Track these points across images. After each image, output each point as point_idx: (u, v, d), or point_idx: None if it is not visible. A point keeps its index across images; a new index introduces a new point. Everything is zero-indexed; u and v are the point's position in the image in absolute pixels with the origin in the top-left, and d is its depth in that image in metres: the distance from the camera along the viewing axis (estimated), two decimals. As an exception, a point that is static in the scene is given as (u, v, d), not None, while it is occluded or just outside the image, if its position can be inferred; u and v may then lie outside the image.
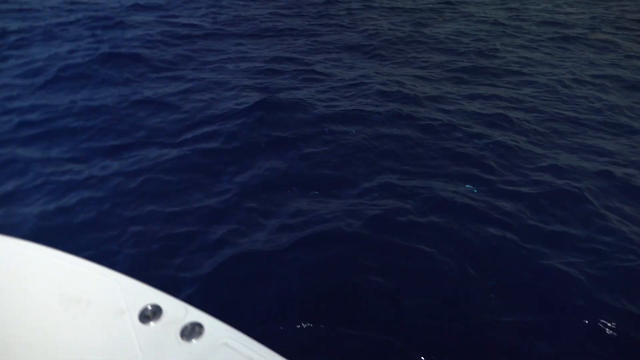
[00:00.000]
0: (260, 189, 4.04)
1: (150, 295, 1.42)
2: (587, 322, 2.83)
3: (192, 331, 1.28)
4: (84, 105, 5.55)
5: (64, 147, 4.71)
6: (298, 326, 2.77)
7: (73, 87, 6.17)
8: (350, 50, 8.16)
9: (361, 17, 10.56)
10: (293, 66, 7.10)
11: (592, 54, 7.99)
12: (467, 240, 3.45)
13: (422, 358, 2.60)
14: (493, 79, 6.77)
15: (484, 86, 6.49)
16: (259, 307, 2.93)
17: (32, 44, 7.77)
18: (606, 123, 5.45)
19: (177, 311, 1.34)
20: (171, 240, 3.49)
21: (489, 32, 9.27)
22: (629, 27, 9.64)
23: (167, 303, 1.37)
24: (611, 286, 3.08)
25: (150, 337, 1.27)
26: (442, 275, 3.16)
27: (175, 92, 6.06)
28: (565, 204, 3.91)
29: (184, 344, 1.25)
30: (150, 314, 1.33)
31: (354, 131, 5.01)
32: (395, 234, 3.49)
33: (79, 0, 10.84)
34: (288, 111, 5.46)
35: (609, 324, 2.79)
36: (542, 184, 4.16)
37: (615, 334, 2.75)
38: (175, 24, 9.51)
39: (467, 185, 4.12)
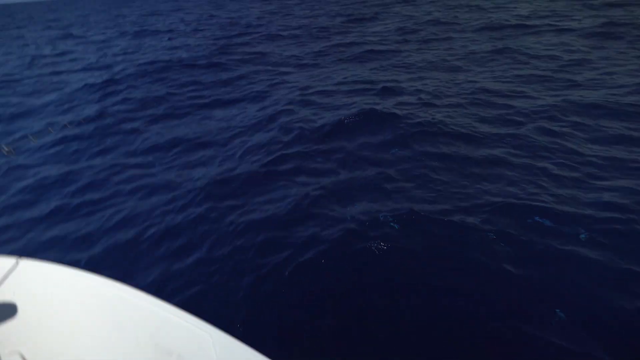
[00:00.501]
0: (331, 199, 4.16)
1: (242, 352, 1.38)
2: None
3: None
4: (194, 141, 6.10)
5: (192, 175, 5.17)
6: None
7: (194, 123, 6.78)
8: (434, 69, 8.13)
9: (445, 39, 10.55)
10: (378, 85, 7.24)
11: None
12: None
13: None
14: (593, 90, 6.34)
15: (584, 97, 6.09)
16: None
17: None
18: None
19: None
20: (250, 241, 3.73)
21: (583, 43, 8.76)
22: None
23: None
24: None
25: None
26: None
27: (268, 116, 6.51)
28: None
29: None
30: None
31: (430, 150, 4.91)
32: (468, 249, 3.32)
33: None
34: (371, 126, 5.61)
35: None
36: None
37: None
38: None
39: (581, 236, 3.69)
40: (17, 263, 1.80)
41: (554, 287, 2.95)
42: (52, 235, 4.27)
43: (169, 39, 15.23)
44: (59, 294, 1.68)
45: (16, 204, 4.92)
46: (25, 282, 1.72)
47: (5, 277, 1.72)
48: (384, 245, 3.41)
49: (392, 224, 3.67)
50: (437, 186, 4.24)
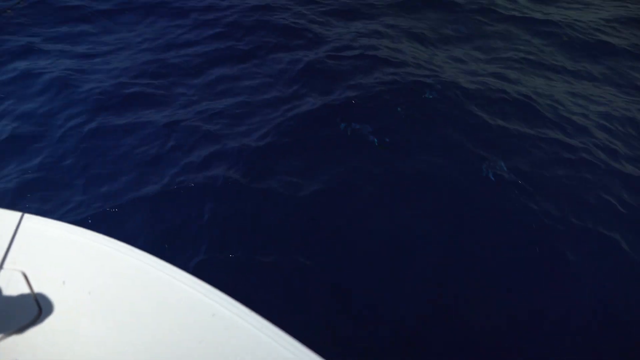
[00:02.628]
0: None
1: None
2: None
3: None
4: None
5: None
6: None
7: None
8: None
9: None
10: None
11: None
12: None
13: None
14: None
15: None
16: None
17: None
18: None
19: None
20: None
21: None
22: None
23: None
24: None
25: None
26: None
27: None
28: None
29: None
30: None
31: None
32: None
33: None
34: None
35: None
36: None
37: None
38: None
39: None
40: (21, 219, 1.55)
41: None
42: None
43: None
44: (77, 262, 1.45)
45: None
46: (34, 245, 1.48)
47: (11, 237, 1.48)
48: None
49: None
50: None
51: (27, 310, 1.27)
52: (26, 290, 1.32)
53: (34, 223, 1.55)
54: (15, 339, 1.21)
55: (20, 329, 1.22)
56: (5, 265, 1.39)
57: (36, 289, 1.33)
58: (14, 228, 1.50)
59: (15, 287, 1.32)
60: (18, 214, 1.55)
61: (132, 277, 1.38)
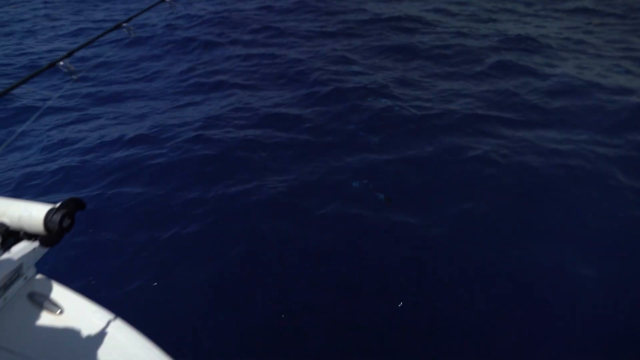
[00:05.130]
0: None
1: None
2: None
3: None
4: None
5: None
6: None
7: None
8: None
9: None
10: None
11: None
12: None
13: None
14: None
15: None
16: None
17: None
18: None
19: None
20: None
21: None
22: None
23: None
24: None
25: None
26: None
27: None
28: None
29: None
30: None
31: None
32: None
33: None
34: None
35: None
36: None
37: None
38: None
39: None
40: (111, 321, 1.50)
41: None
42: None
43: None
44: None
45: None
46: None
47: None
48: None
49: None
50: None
51: None
52: None
53: (122, 334, 1.44)
54: None
55: None
56: None
57: None
58: (101, 333, 1.42)
59: None
60: (110, 315, 1.47)
61: None
